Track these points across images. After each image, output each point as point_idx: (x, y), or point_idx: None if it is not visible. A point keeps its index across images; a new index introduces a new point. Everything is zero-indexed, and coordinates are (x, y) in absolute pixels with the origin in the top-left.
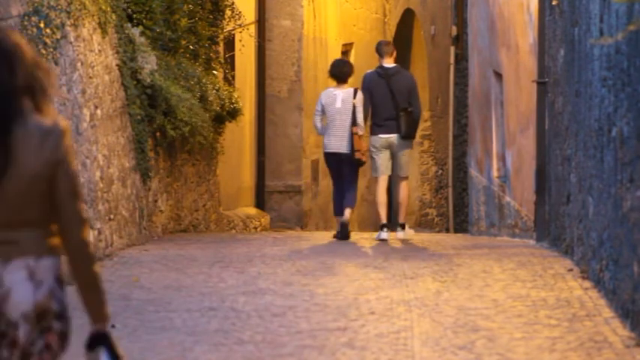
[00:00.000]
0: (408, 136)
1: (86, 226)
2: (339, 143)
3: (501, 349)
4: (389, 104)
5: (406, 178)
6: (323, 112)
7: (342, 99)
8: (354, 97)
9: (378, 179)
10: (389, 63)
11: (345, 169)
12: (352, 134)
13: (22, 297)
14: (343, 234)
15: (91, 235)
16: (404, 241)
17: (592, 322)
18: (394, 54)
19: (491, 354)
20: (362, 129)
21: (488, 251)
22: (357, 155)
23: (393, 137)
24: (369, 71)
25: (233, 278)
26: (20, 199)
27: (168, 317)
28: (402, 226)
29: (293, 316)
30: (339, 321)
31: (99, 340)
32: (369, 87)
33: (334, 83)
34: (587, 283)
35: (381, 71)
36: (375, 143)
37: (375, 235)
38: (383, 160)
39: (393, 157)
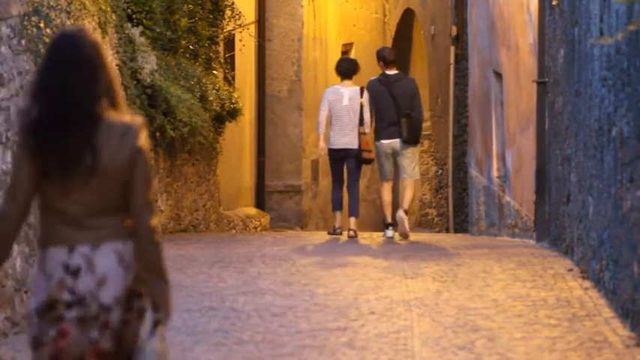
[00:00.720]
0: (410, 141)
1: (155, 215)
2: (346, 139)
3: (501, 349)
4: (391, 110)
5: (411, 180)
6: (328, 107)
7: (350, 97)
8: (361, 96)
9: (383, 183)
10: (391, 70)
11: (350, 165)
12: (360, 133)
13: (116, 283)
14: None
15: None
16: (403, 241)
17: (592, 322)
18: (395, 61)
19: (491, 354)
20: (368, 127)
21: (488, 251)
22: (365, 155)
23: (396, 142)
24: (372, 78)
25: (233, 278)
26: (105, 188)
27: None
28: (405, 212)
29: (293, 316)
30: (339, 321)
31: (154, 332)
32: (372, 94)
33: (337, 80)
34: (587, 283)
35: (384, 79)
36: (379, 149)
37: (378, 234)
38: (388, 165)
39: (397, 162)
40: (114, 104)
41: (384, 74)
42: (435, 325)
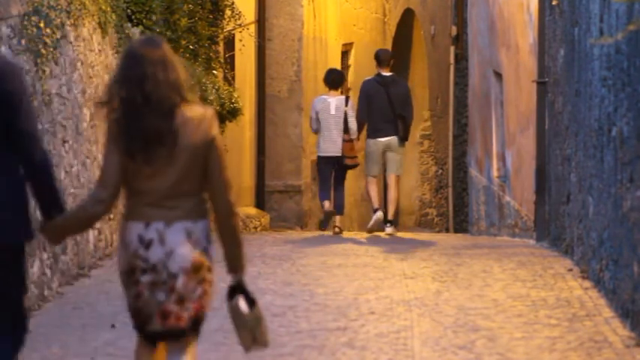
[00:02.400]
0: (403, 139)
1: (231, 191)
2: (334, 147)
3: (501, 348)
4: (387, 110)
5: (398, 177)
6: (317, 117)
7: (336, 106)
8: (346, 105)
9: (370, 179)
10: (386, 72)
11: (337, 171)
12: (344, 140)
13: (183, 255)
14: (325, 222)
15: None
16: (404, 240)
17: (592, 322)
18: (391, 62)
19: (491, 354)
20: (355, 134)
21: (488, 251)
22: (347, 161)
23: (390, 139)
24: (368, 78)
25: None
26: (182, 172)
27: None
28: (391, 222)
29: (293, 316)
30: (339, 321)
31: (236, 289)
32: (368, 93)
33: (326, 89)
34: (587, 283)
35: (380, 79)
36: (372, 145)
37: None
38: (377, 162)
39: (388, 158)
40: (186, 98)
41: (379, 75)
42: (435, 325)
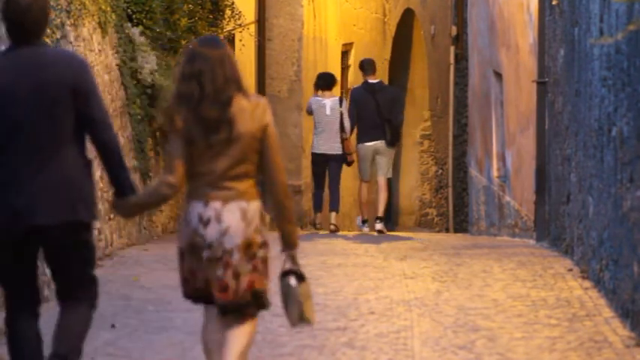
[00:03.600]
0: (390, 143)
1: (284, 172)
2: (328, 145)
3: (501, 348)
4: (374, 115)
5: (387, 178)
6: (311, 113)
7: (331, 107)
8: (341, 106)
9: (363, 183)
10: (373, 79)
11: (331, 169)
12: (342, 139)
13: (237, 233)
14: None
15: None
16: (403, 240)
17: (592, 322)
18: (376, 70)
19: (491, 354)
20: (349, 132)
21: (488, 251)
22: (349, 158)
23: (378, 143)
24: (356, 86)
25: None
26: (239, 156)
27: (168, 317)
28: (381, 220)
29: None
30: (339, 321)
31: (288, 272)
32: (356, 100)
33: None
34: (587, 283)
35: (367, 86)
36: (361, 150)
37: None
38: (368, 167)
39: (377, 161)
40: (241, 88)
41: (367, 82)
42: (435, 325)
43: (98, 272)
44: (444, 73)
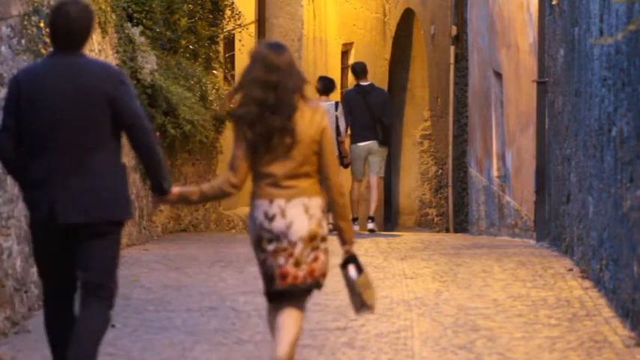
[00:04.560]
0: (383, 143)
1: (338, 173)
2: None
3: (501, 348)
4: (367, 116)
5: (380, 178)
6: None
7: (328, 111)
8: (337, 110)
9: (355, 182)
10: (365, 82)
11: None
12: (338, 142)
13: (300, 226)
14: None
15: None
16: (403, 240)
17: (592, 322)
18: (367, 73)
19: (491, 354)
20: (344, 134)
21: (488, 251)
22: (346, 160)
23: (371, 143)
24: (348, 89)
25: (233, 278)
26: (302, 157)
27: (168, 317)
28: (372, 219)
29: None
30: (339, 321)
31: (349, 260)
32: (348, 103)
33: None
34: (587, 283)
35: (358, 89)
36: (354, 150)
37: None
38: (361, 166)
39: (369, 161)
40: (303, 95)
41: (358, 85)
42: (435, 325)
43: None
44: (444, 73)
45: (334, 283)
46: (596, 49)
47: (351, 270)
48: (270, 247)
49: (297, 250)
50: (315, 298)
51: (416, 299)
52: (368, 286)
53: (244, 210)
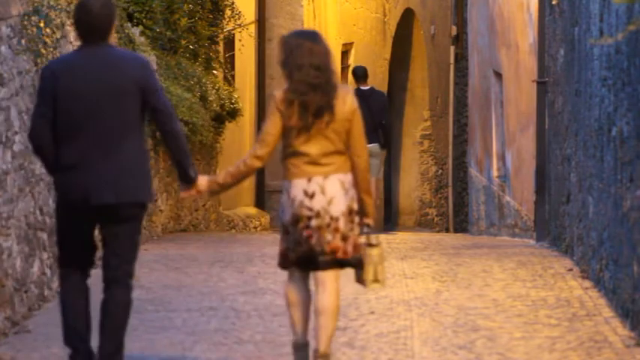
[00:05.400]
0: (383, 146)
1: (366, 150)
2: None
3: (501, 348)
4: (368, 119)
5: (377, 178)
6: None
7: None
8: None
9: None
10: (365, 86)
11: None
12: None
13: (340, 202)
14: None
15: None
16: (403, 240)
17: (592, 322)
18: (367, 77)
19: (491, 353)
20: None
21: (488, 251)
22: None
23: (372, 146)
24: None
25: (233, 278)
26: (336, 136)
27: (168, 317)
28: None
29: None
30: (339, 321)
31: (368, 232)
32: None
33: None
34: (587, 283)
35: (359, 92)
36: None
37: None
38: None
39: (370, 163)
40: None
41: (358, 88)
42: (435, 325)
43: (99, 272)
44: (444, 73)
45: None
46: (596, 49)
47: (367, 243)
48: (312, 224)
49: (341, 224)
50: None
51: (416, 299)
52: (381, 261)
53: (244, 210)
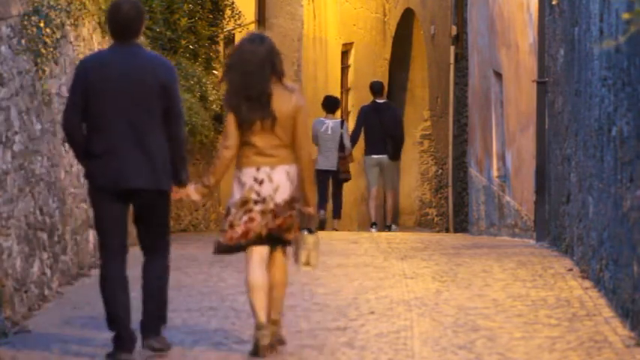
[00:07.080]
0: (393, 157)
1: (310, 144)
2: (329, 162)
3: (501, 348)
4: (379, 131)
5: (393, 189)
6: (315, 136)
7: (332, 127)
8: (342, 128)
9: (371, 190)
10: (381, 99)
11: (333, 182)
12: (340, 158)
13: (285, 190)
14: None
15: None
16: (403, 240)
17: (592, 322)
18: (384, 92)
19: (491, 353)
20: (349, 151)
21: (488, 251)
22: (342, 176)
23: (381, 157)
24: (365, 104)
25: (233, 278)
26: (280, 130)
27: (168, 317)
28: (390, 227)
29: (293, 315)
30: (339, 321)
31: (306, 220)
32: (365, 117)
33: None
34: (587, 283)
35: (375, 106)
36: (367, 161)
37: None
38: (374, 175)
39: (384, 174)
40: (280, 78)
41: (374, 102)
42: (435, 325)
43: (97, 273)
44: (444, 73)
45: (334, 284)
46: (596, 49)
47: (304, 232)
48: (257, 208)
49: (280, 210)
50: (315, 298)
51: (416, 299)
52: (315, 247)
53: None
